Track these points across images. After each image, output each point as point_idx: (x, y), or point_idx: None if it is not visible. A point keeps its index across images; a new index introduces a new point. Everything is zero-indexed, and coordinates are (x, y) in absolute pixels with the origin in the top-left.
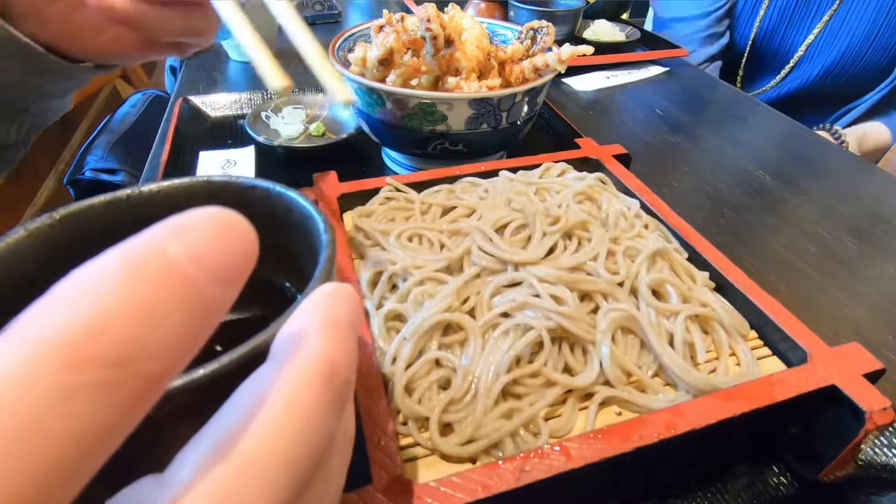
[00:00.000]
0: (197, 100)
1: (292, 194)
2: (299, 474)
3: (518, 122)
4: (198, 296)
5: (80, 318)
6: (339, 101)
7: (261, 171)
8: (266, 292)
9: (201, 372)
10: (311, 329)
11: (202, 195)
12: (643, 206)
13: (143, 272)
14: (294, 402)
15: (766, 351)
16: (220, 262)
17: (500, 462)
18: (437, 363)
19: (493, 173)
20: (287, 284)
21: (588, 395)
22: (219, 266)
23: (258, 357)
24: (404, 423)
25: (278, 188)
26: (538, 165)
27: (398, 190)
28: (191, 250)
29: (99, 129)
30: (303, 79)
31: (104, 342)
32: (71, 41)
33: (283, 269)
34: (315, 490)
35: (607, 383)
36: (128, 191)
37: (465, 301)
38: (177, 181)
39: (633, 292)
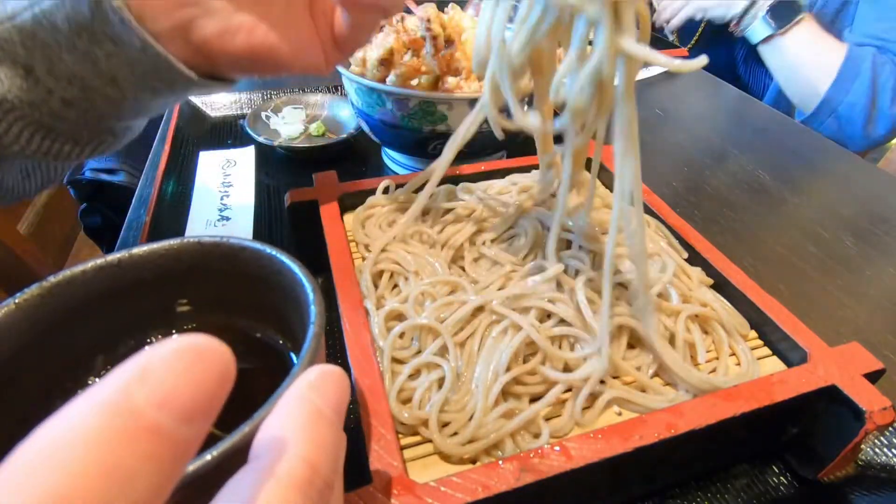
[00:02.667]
0: (197, 100)
1: (283, 258)
2: None
3: None
4: (167, 443)
5: (44, 491)
6: None
7: (261, 171)
8: (260, 348)
9: None
10: (291, 428)
11: (193, 256)
12: (643, 207)
13: (108, 429)
14: None
15: (766, 351)
16: (189, 399)
17: (500, 462)
18: (437, 364)
19: (493, 173)
20: (280, 341)
21: (588, 396)
22: (188, 404)
23: (239, 453)
24: (403, 424)
25: (269, 250)
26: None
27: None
28: (157, 393)
29: None
30: (303, 78)
31: None
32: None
33: (274, 327)
34: None
35: (606, 382)
36: (119, 255)
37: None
38: (167, 243)
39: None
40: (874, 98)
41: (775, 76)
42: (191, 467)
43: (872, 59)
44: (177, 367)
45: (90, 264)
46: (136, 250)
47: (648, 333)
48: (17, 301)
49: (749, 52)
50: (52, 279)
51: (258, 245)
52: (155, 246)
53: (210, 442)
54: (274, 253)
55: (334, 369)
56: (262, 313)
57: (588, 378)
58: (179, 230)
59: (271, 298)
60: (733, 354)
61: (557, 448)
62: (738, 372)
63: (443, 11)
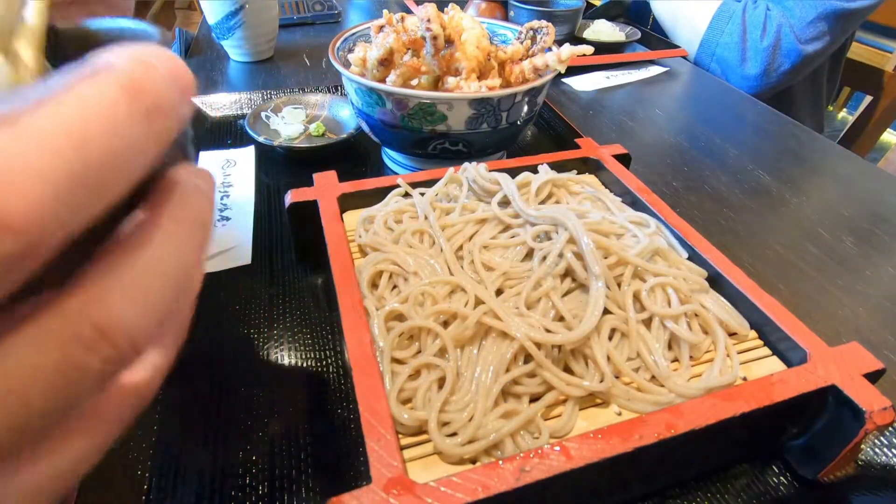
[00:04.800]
0: (197, 100)
1: (140, 27)
2: (89, 160)
3: (518, 122)
4: (175, 102)
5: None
6: None
7: (261, 171)
8: None
9: None
10: (115, 58)
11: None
12: (643, 207)
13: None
14: (88, 98)
15: (766, 351)
16: (183, 84)
17: (500, 462)
18: (437, 364)
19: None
20: None
21: (588, 396)
22: (183, 87)
23: None
24: (403, 424)
25: (129, 26)
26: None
27: (407, 193)
28: (167, 69)
29: None
30: (303, 78)
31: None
32: None
33: None
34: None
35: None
36: None
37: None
38: None
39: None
40: (745, 35)
41: (661, 23)
42: None
43: (745, 2)
44: (170, 58)
45: None
46: None
47: (636, 347)
48: None
49: None
50: None
51: (117, 24)
52: None
53: None
54: (132, 26)
55: (169, 52)
56: None
57: (590, 389)
58: None
59: None
60: (729, 356)
61: (557, 448)
62: (729, 374)
63: (443, 11)
